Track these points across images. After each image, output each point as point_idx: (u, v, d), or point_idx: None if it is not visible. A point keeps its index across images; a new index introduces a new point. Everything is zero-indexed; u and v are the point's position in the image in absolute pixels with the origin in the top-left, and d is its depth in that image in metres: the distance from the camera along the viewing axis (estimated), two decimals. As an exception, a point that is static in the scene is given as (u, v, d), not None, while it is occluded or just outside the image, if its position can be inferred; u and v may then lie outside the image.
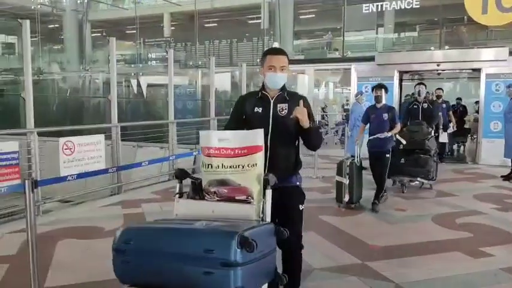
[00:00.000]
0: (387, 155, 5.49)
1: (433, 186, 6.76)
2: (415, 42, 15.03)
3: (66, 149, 5.43)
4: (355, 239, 4.44)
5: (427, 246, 4.27)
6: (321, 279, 3.44)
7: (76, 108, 17.06)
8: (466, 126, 11.55)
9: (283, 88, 2.60)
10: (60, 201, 5.94)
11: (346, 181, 5.48)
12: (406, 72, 10.85)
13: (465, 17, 10.92)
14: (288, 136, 2.55)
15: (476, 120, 10.65)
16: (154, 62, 18.04)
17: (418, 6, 10.87)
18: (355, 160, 5.66)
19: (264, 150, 2.26)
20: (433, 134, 6.91)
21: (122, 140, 6.68)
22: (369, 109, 5.81)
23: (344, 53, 11.56)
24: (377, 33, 13.91)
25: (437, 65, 10.05)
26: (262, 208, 2.18)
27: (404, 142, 6.33)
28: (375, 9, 11.25)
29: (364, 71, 10.49)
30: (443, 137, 8.89)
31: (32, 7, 19.17)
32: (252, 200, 2.18)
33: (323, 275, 3.52)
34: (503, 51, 9.21)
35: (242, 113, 2.63)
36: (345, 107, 13.68)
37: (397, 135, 6.01)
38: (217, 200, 2.23)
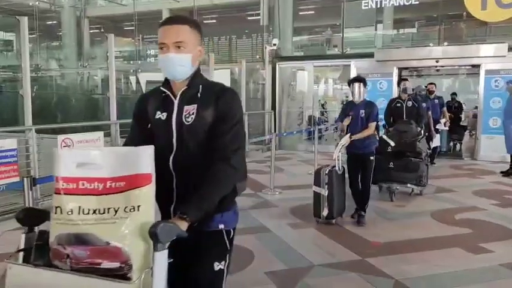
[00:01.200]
0: (371, 158, 4.79)
1: (423, 192, 6.11)
2: (414, 38, 14.98)
3: (65, 146, 5.41)
4: (355, 236, 4.45)
5: (426, 242, 4.28)
6: (321, 276, 3.45)
7: (75, 105, 17.03)
8: (462, 123, 11.42)
9: (193, 79, 1.69)
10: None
11: (324, 192, 4.67)
12: (406, 68, 10.82)
13: (464, 13, 10.87)
14: (201, 155, 1.62)
15: (475, 116, 10.51)
16: (153, 58, 17.98)
17: (417, 2, 10.83)
18: (336, 167, 4.83)
19: (153, 183, 1.38)
20: (423, 134, 6.29)
21: (122, 137, 6.67)
22: (347, 105, 5.07)
23: (343, 50, 11.53)
24: (376, 29, 13.86)
25: (436, 61, 10.03)
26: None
27: (392, 144, 5.59)
28: (374, 6, 11.20)
29: (364, 68, 10.47)
30: (436, 141, 8.38)
31: (30, 4, 19.08)
32: (130, 272, 1.29)
33: (323, 271, 3.53)
34: (503, 47, 9.19)
35: (146, 120, 1.74)
36: (345, 103, 13.64)
37: (383, 136, 5.44)
38: (72, 270, 1.32)
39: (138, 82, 16.13)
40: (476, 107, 10.64)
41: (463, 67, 11.02)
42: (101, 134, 5.98)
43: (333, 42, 14.15)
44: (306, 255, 3.84)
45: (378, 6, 11.22)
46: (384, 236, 4.40)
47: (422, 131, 6.18)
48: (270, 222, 4.84)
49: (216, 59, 10.89)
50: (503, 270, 3.58)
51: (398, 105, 6.29)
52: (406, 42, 13.75)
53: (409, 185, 5.84)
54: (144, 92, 15.55)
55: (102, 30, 22.08)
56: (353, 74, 10.66)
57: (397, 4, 11.01)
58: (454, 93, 11.40)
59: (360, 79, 4.90)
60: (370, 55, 10.45)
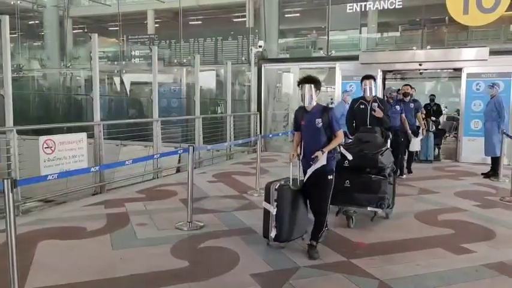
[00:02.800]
0: (329, 177, 3.92)
1: (389, 215, 5.10)
2: (397, 42, 15.20)
3: (46, 147, 5.32)
4: (340, 237, 4.47)
5: (410, 242, 4.33)
6: (306, 277, 3.45)
7: (57, 106, 16.77)
8: (440, 126, 11.40)
9: None
10: (41, 201, 5.82)
11: (273, 210, 3.97)
12: (390, 71, 10.96)
13: (446, 17, 11.09)
14: None
15: (449, 118, 10.44)
16: (138, 59, 17.83)
17: (400, 6, 10.98)
18: (290, 183, 4.06)
19: None
20: (389, 144, 5.44)
21: (105, 139, 6.59)
22: (297, 113, 4.12)
23: (329, 52, 11.62)
24: (361, 32, 14.03)
25: (420, 65, 10.17)
26: None
27: (350, 157, 4.31)
28: (358, 9, 11.33)
29: (349, 70, 10.57)
30: (416, 145, 8.10)
31: (12, 2, 18.75)
32: None
33: (309, 272, 3.54)
34: (484, 51, 9.37)
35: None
36: (330, 105, 13.74)
37: (341, 148, 4.22)
38: None
39: (122, 83, 15.98)
40: (457, 110, 10.82)
41: (445, 70, 11.20)
42: (84, 135, 5.90)
43: (318, 45, 14.26)
44: (291, 257, 3.84)
45: (363, 9, 11.35)
46: (368, 237, 4.44)
47: (388, 139, 5.54)
48: (256, 224, 4.83)
49: (202, 61, 10.85)
50: (485, 270, 3.64)
51: (362, 106, 5.56)
52: (390, 46, 13.95)
53: (369, 208, 4.72)
54: (128, 93, 15.34)
55: (86, 30, 21.83)
56: (338, 76, 10.76)
57: (381, 8, 11.15)
58: (433, 95, 11.49)
59: (312, 79, 3.98)
60: (355, 58, 10.55)
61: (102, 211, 5.35)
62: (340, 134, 3.97)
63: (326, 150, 3.85)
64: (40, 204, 5.80)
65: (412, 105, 8.03)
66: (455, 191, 6.61)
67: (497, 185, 7.15)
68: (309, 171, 3.95)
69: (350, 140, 5.35)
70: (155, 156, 7.40)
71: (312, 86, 3.93)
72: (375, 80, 5.51)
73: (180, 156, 8.35)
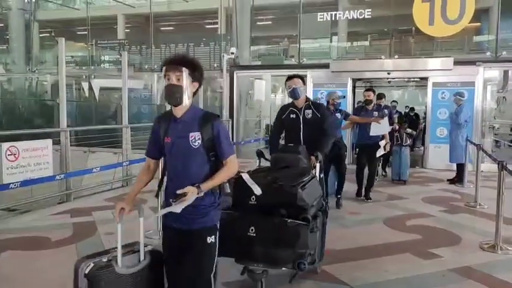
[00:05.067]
0: (209, 240, 2.31)
1: (319, 268, 3.66)
2: (367, 51, 15.53)
3: (9, 154, 5.13)
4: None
5: (379, 248, 4.39)
6: (277, 284, 3.43)
7: (22, 111, 16.22)
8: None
9: None
10: (4, 210, 5.60)
11: None
12: (359, 79, 11.19)
13: (413, 28, 11.41)
14: None
15: (406, 127, 9.00)
16: (108, 64, 17.48)
17: (369, 16, 11.25)
18: (118, 261, 2.20)
19: None
20: (318, 171, 3.64)
21: (73, 145, 6.41)
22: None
23: (300, 60, 11.75)
24: (331, 41, 14.25)
25: (388, 73, 10.43)
26: None
27: (257, 191, 2.86)
28: (329, 18, 11.54)
29: (320, 78, 10.71)
30: (380, 150, 6.53)
31: (-25, 5, 18.10)
32: None
33: (280, 279, 3.52)
34: (449, 61, 9.70)
35: None
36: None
37: (244, 175, 2.89)
38: None
39: (91, 88, 15.63)
40: (424, 118, 11.11)
41: (412, 79, 11.52)
42: (49, 142, 5.72)
43: (290, 52, 14.39)
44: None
45: (333, 18, 11.57)
46: (339, 244, 4.46)
47: (318, 165, 3.67)
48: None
49: (173, 67, 10.72)
50: (452, 274, 3.72)
51: (293, 116, 4.17)
52: (360, 55, 14.21)
53: (284, 268, 2.98)
54: (98, 99, 14.99)
55: (53, 34, 21.26)
56: (309, 83, 10.88)
57: (351, 17, 11.39)
58: (412, 107, 11.54)
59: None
60: (326, 66, 10.71)
61: (68, 220, 5.18)
62: (230, 161, 2.35)
63: (204, 187, 2.20)
64: (3, 214, 5.57)
65: (375, 113, 6.56)
66: (422, 197, 6.78)
67: (463, 190, 7.38)
68: (162, 213, 2.31)
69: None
70: (124, 164, 7.25)
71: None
72: (303, 80, 4.18)
73: (150, 164, 8.20)
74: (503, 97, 11.64)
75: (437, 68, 9.89)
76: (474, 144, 7.43)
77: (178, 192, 2.14)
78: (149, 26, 16.04)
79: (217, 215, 2.35)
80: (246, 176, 2.89)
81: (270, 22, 18.98)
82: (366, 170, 6.60)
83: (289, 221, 2.86)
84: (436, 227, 5.20)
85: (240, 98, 12.06)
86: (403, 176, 7.88)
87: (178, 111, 2.27)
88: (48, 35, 21.25)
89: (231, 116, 11.50)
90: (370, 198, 6.49)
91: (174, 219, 2.26)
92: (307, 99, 4.27)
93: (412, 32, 12.12)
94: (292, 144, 3.98)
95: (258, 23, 16.40)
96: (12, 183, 4.88)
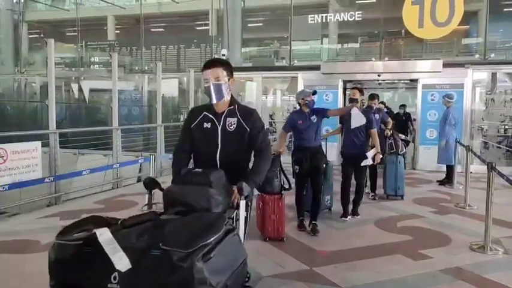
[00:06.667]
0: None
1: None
2: (357, 53, 15.64)
3: (-3, 157, 5.05)
4: (303, 246, 4.48)
5: (371, 250, 4.40)
6: (270, 287, 3.43)
7: (10, 113, 16.03)
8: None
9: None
10: (-9, 213, 5.51)
11: None
12: (350, 81, 11.24)
13: (403, 30, 11.52)
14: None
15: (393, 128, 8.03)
16: (98, 66, 17.36)
17: (360, 18, 11.34)
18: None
19: None
20: (242, 213, 2.31)
21: (62, 147, 6.35)
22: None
23: (291, 62, 11.78)
24: (322, 43, 14.34)
25: (378, 75, 10.49)
26: None
27: (123, 266, 1.70)
28: (320, 20, 11.60)
29: (311, 80, 10.75)
30: (367, 161, 5.40)
31: (-38, 5, 17.86)
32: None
33: (272, 282, 3.51)
34: (438, 63, 9.79)
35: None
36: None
37: (99, 233, 1.82)
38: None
39: (80, 90, 15.50)
40: (414, 119, 11.18)
41: (402, 81, 11.61)
42: (38, 144, 5.65)
43: (281, 54, 14.44)
44: (255, 266, 3.81)
45: (324, 21, 11.62)
46: (331, 245, 4.48)
47: (243, 202, 2.33)
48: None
49: (164, 68, 10.70)
50: (442, 275, 3.75)
51: (207, 125, 2.68)
52: (350, 56, 14.31)
53: None
54: (87, 100, 14.85)
55: (42, 35, 21.07)
56: (300, 85, 10.91)
57: (341, 19, 11.47)
58: (403, 104, 11.44)
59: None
60: (317, 67, 10.74)
61: (57, 223, 5.11)
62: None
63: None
64: (-10, 217, 5.48)
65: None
66: (413, 198, 6.82)
67: (452, 191, 7.44)
68: None
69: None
70: (115, 166, 7.20)
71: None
72: (230, 70, 2.80)
73: (141, 166, 8.16)
74: (492, 99, 11.78)
75: (426, 70, 9.98)
76: (463, 145, 7.50)
77: None
78: (139, 28, 15.97)
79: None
80: (103, 235, 1.70)
81: (261, 24, 19.04)
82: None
83: None
84: (427, 228, 5.23)
85: (231, 100, 12.02)
86: (399, 191, 6.78)
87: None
88: (37, 36, 21.06)
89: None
90: (358, 214, 5.64)
91: None
92: (234, 101, 2.81)
93: (402, 34, 12.25)
94: (200, 170, 2.38)
95: (249, 24, 16.44)
96: (1, 185, 4.81)
